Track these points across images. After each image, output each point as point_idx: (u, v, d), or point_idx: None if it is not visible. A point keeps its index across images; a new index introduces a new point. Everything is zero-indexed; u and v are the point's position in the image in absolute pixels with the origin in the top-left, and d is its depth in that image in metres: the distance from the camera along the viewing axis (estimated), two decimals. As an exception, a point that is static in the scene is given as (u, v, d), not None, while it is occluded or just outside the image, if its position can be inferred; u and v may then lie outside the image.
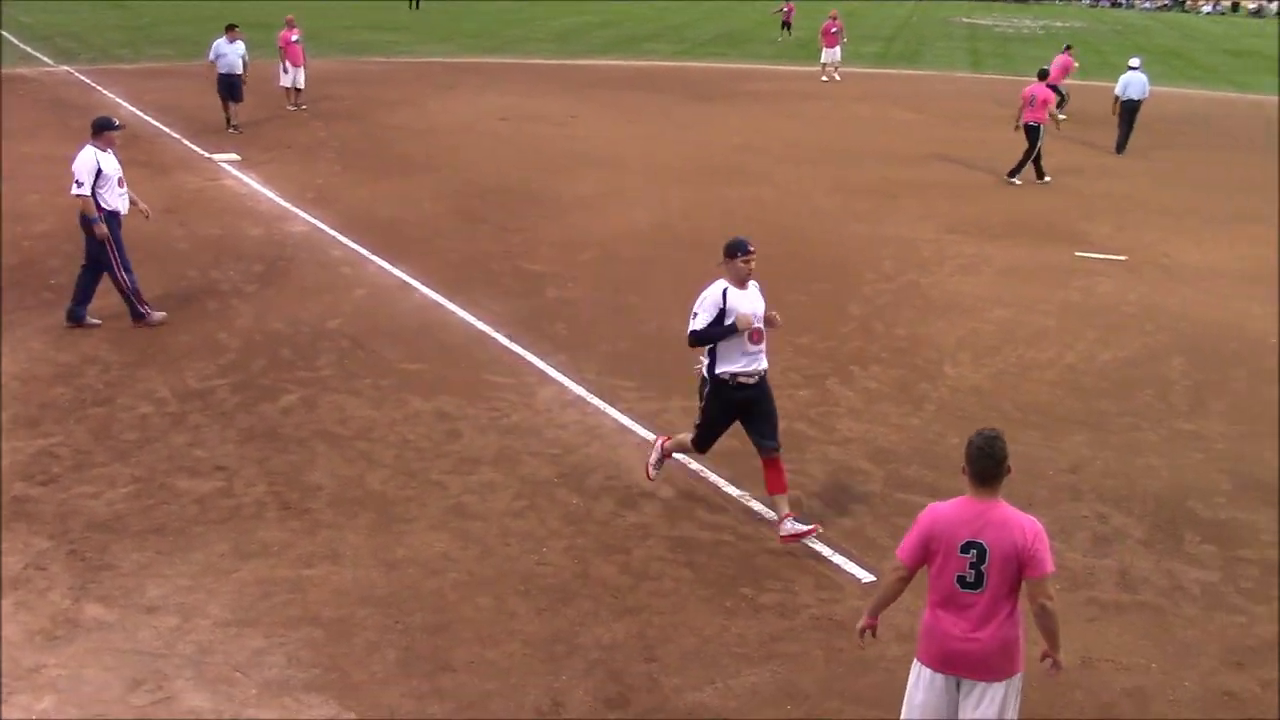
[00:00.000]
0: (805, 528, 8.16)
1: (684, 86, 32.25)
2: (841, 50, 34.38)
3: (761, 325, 8.16)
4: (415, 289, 13.82)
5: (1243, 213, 19.36)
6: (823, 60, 34.30)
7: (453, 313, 13.04)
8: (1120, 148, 24.35)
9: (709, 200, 18.80)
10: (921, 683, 5.48)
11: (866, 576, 7.86)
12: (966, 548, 5.24)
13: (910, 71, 38.70)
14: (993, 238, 16.92)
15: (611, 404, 10.66)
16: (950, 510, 5.38)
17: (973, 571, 5.25)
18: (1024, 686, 5.57)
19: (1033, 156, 20.85)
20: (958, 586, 5.29)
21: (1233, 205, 19.92)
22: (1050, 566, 5.27)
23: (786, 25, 46.54)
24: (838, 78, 34.04)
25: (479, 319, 12.80)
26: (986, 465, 5.27)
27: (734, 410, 8.28)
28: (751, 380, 8.22)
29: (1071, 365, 12.05)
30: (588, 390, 10.95)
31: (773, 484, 8.27)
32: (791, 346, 12.16)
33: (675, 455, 8.99)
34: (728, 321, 7.99)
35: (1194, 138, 27.29)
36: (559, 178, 19.95)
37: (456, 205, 18.02)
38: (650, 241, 16.30)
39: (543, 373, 11.39)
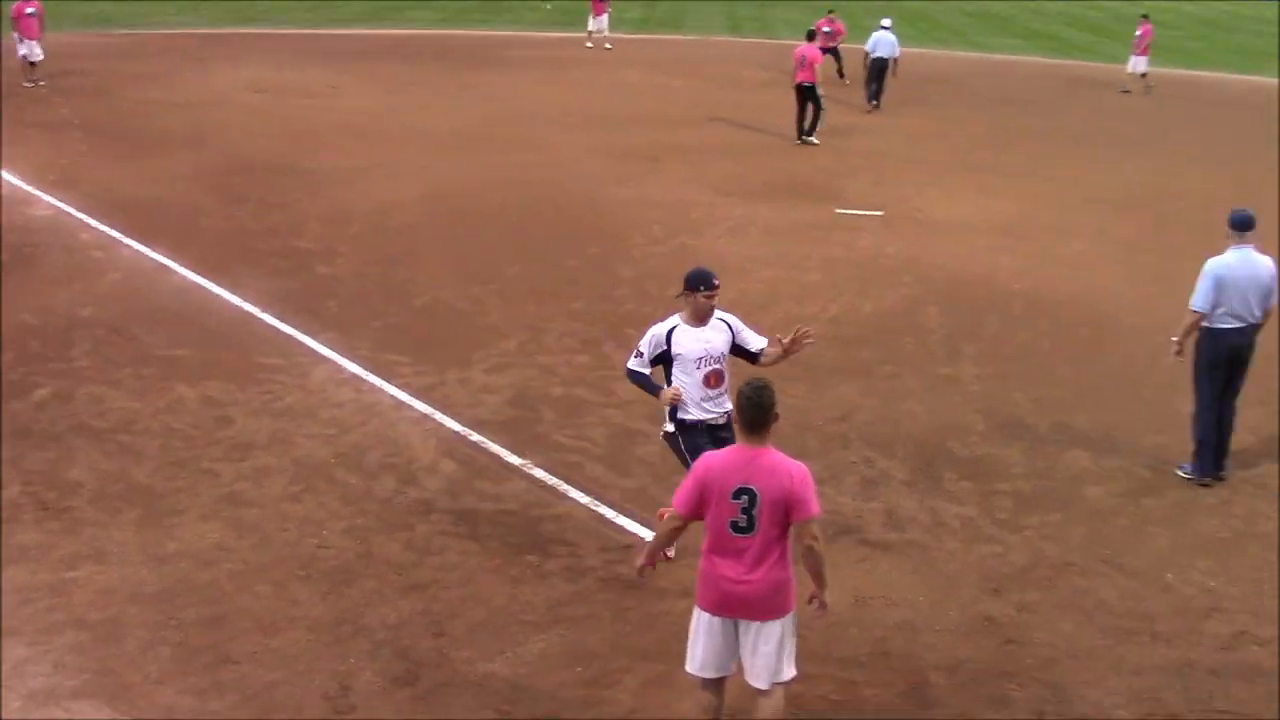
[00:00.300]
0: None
1: (446, 55, 31.82)
2: (609, 18, 34.44)
3: (720, 367, 7.37)
4: (175, 271, 13.25)
5: (988, 167, 20.43)
6: (590, 28, 34.29)
7: (217, 295, 12.56)
8: (872, 99, 25.44)
9: (478, 169, 18.66)
10: (702, 627, 5.66)
11: (651, 535, 7.99)
12: (738, 493, 5.43)
13: (673, 37, 39.19)
14: (759, 199, 17.37)
15: (387, 380, 10.49)
16: (722, 458, 5.56)
17: (744, 516, 5.45)
18: (802, 627, 5.80)
19: (820, 111, 21.52)
20: (731, 531, 5.47)
21: (979, 161, 21.00)
22: (816, 509, 5.50)
23: None
24: (608, 46, 34.08)
25: (245, 300, 12.37)
26: (754, 414, 5.47)
27: (712, 445, 7.09)
28: (720, 421, 7.41)
29: (836, 318, 12.51)
30: (362, 367, 10.74)
31: None
32: (566, 312, 12.24)
33: None
34: (675, 370, 7.35)
35: (943, 96, 28.57)
36: (322, 151, 19.43)
37: (216, 182, 17.33)
38: (419, 212, 16.07)
39: (315, 352, 11.10)
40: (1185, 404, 9.45)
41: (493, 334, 11.63)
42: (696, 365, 7.33)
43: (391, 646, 6.75)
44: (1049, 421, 10.16)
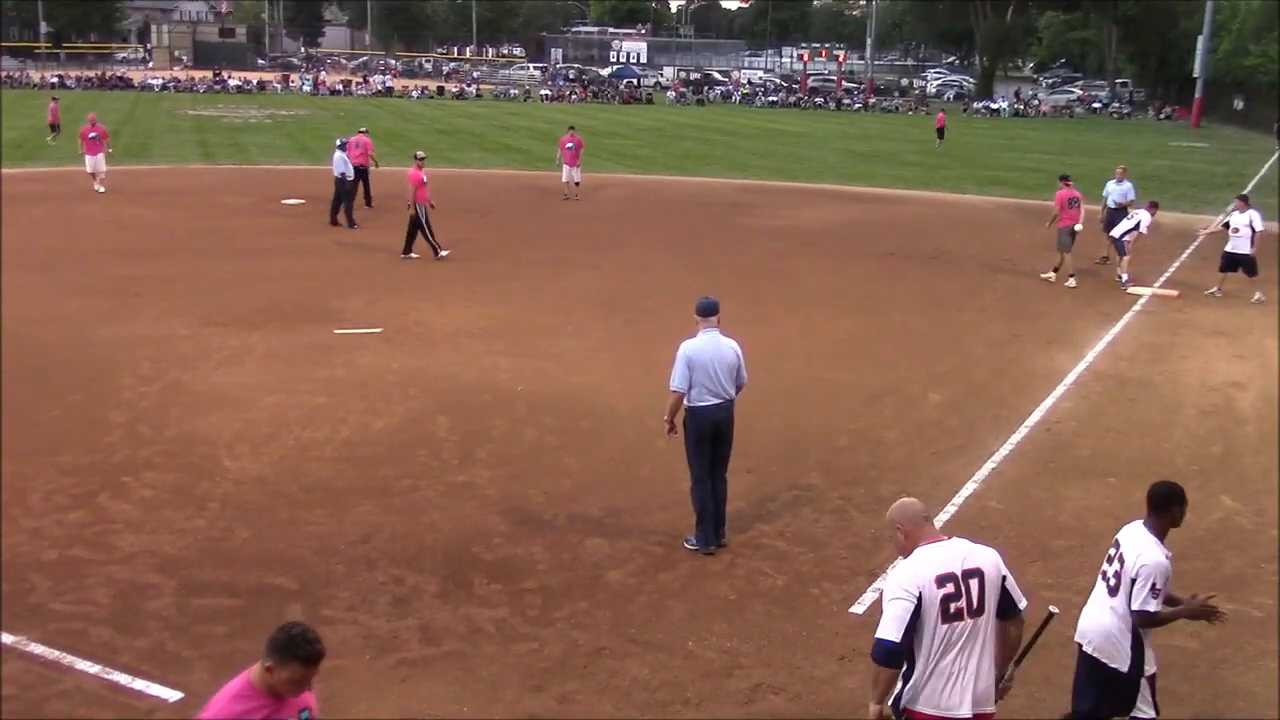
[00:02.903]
0: None
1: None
2: (106, 158, 30.90)
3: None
4: None
5: (476, 275, 21.12)
6: (89, 169, 30.40)
7: None
8: (339, 218, 26.00)
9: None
10: None
11: (173, 695, 7.45)
12: None
13: (141, 167, 37.41)
14: (251, 326, 16.88)
15: None
16: None
17: None
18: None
19: (429, 232, 22.35)
20: None
21: (466, 270, 21.66)
22: None
23: (55, 127, 41.08)
24: (100, 189, 30.26)
25: None
26: None
27: None
28: None
29: (348, 439, 12.36)
30: None
31: None
32: (52, 467, 11.23)
33: None
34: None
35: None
36: None
37: None
38: None
39: None
40: (682, 480, 10.19)
41: (-36, 502, 10.43)
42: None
43: None
44: (565, 514, 10.58)
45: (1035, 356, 16.59)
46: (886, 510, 5.97)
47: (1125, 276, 21.71)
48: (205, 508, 10.46)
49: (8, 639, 8.11)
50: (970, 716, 5.57)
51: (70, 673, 7.77)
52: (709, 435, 9.85)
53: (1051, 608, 6.23)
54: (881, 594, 5.92)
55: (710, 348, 9.77)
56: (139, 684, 7.62)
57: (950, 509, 10.95)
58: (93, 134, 30.52)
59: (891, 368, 15.71)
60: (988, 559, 5.68)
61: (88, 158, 30.61)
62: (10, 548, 9.57)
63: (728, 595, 9.12)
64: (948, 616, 5.52)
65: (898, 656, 5.54)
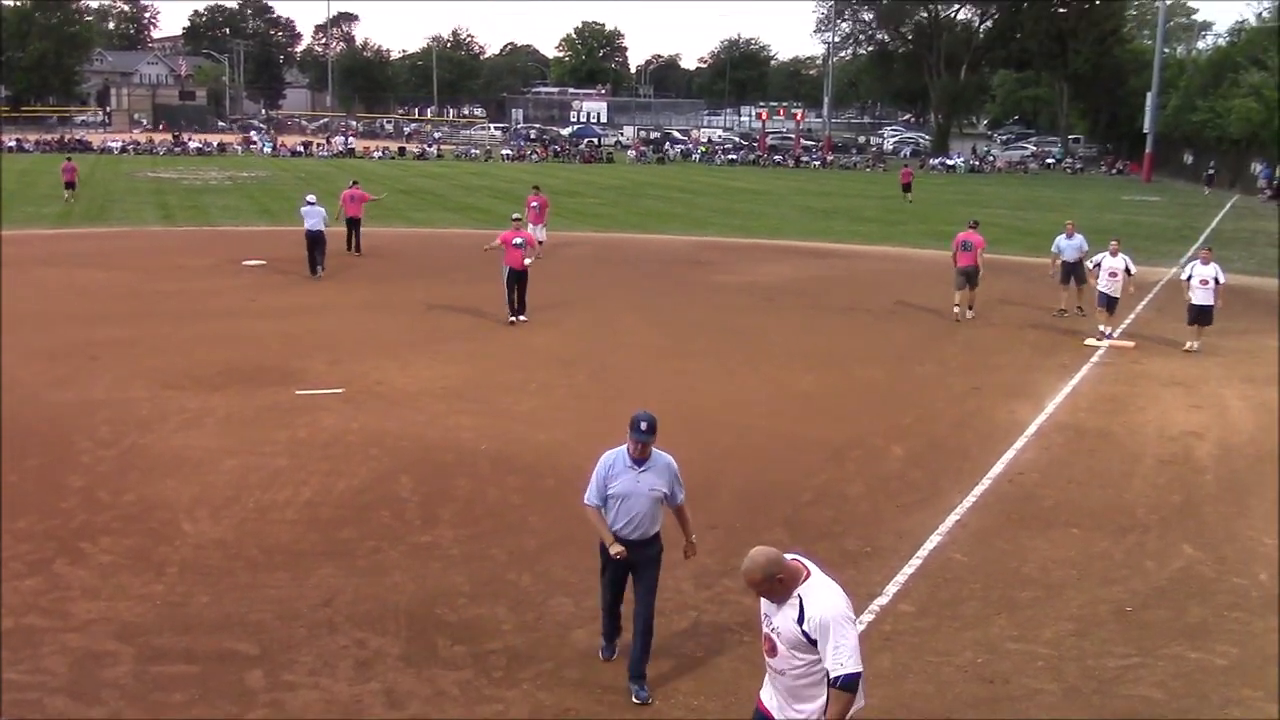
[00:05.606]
0: None
1: None
2: None
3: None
4: None
5: (440, 335, 21.10)
6: None
7: None
8: (313, 270, 26.94)
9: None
10: None
11: (131, 765, 7.31)
12: None
13: (97, 230, 37.24)
14: (211, 388, 16.74)
15: None
16: None
17: None
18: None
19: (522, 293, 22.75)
20: None
21: (429, 329, 21.64)
22: None
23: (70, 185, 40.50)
24: None
25: None
26: None
27: None
28: None
29: (309, 500, 12.25)
30: None
31: None
32: (9, 533, 11.05)
33: None
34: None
35: (383, 269, 29.21)
36: None
37: None
38: None
39: None
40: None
41: (-84, 571, 10.24)
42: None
43: None
44: (529, 573, 10.51)
45: (996, 408, 16.72)
46: (751, 566, 5.88)
47: (1105, 329, 21.79)
48: (164, 573, 10.32)
49: (-39, 709, 7.95)
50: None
51: (24, 744, 7.62)
52: None
53: None
54: (819, 630, 5.70)
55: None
56: (95, 754, 7.48)
57: (915, 562, 10.96)
58: None
59: (854, 422, 15.77)
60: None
61: None
62: (-37, 617, 9.39)
63: (695, 653, 9.07)
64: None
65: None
